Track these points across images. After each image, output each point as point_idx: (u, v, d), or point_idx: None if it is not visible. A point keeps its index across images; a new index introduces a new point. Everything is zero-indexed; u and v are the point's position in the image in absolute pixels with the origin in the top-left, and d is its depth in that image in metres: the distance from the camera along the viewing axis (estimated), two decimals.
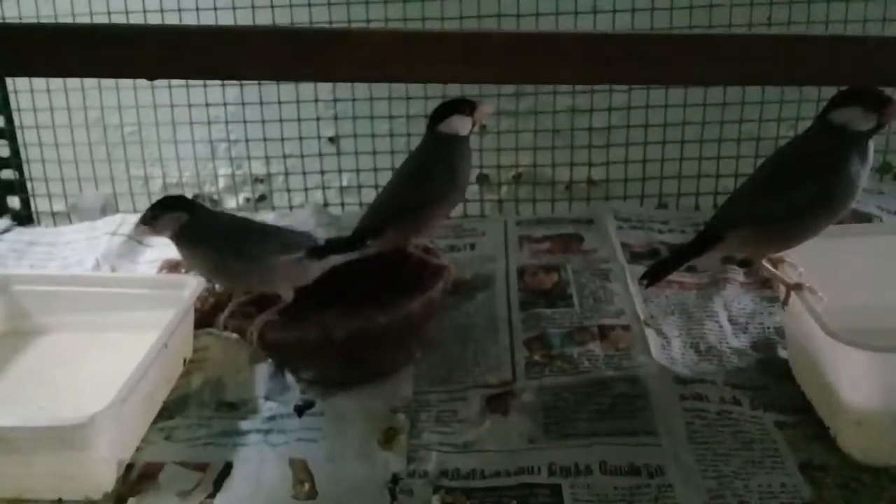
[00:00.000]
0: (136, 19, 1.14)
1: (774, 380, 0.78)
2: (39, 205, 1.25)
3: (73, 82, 1.19)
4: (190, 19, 1.14)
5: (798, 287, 0.72)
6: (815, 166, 0.71)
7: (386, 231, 0.84)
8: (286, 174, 1.24)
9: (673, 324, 0.87)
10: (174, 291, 0.84)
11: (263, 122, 1.20)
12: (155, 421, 0.76)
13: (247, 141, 1.22)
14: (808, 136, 0.73)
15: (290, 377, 0.81)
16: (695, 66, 0.40)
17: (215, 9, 1.14)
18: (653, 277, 0.76)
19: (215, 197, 1.29)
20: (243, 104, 1.19)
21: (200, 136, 1.23)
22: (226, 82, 1.17)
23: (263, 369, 0.83)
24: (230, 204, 1.29)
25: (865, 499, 0.64)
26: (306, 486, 0.68)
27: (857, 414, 0.66)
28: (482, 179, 1.24)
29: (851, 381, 0.66)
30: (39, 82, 1.19)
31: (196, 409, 0.78)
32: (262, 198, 1.29)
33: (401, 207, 0.85)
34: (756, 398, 0.75)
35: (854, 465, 0.67)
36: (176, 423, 0.76)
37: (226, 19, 1.14)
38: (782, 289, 0.74)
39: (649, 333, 0.85)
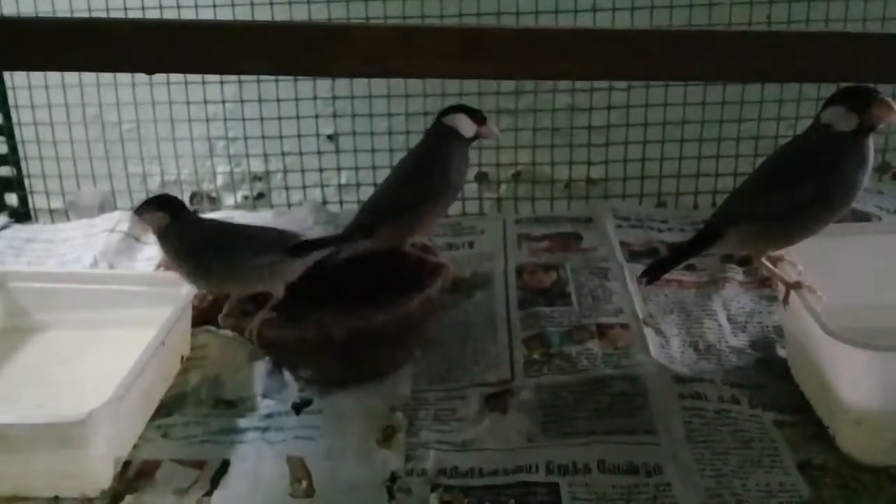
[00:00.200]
0: (134, 15, 1.13)
1: (773, 379, 0.78)
2: (37, 202, 1.25)
3: (72, 79, 1.18)
4: (188, 15, 1.13)
5: (797, 286, 0.72)
6: (813, 165, 0.71)
7: (379, 228, 0.84)
8: (285, 172, 1.24)
9: (672, 322, 0.87)
10: (172, 289, 0.84)
11: (262, 119, 1.20)
12: (152, 418, 0.76)
13: (245, 138, 1.22)
14: (807, 134, 0.73)
15: (288, 375, 0.81)
16: (694, 63, 0.40)
17: (214, 5, 1.13)
18: (652, 275, 0.76)
19: (213, 194, 1.29)
20: (242, 102, 1.19)
21: (199, 133, 1.22)
22: (224, 79, 1.17)
23: (261, 367, 0.83)
24: (228, 202, 1.29)
25: (864, 498, 0.64)
26: (304, 483, 0.68)
27: (856, 413, 0.66)
28: (481, 178, 1.23)
29: (850, 380, 0.66)
30: (38, 79, 1.18)
31: (194, 407, 0.78)
32: (260, 195, 1.29)
33: (394, 205, 0.85)
34: (755, 397, 0.75)
35: (853, 465, 0.67)
36: (173, 421, 0.76)
37: (224, 15, 1.13)
38: (782, 287, 0.74)
39: (648, 332, 0.85)
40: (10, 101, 1.20)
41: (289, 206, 1.24)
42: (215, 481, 0.68)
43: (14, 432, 0.64)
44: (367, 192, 1.20)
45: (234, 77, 1.15)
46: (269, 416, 0.76)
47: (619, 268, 0.98)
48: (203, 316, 0.88)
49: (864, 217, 1.04)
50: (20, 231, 1.16)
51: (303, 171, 1.22)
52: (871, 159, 0.70)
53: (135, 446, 0.72)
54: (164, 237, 0.78)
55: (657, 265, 0.77)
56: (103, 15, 1.13)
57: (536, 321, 0.88)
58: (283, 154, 1.22)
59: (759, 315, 0.88)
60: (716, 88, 1.14)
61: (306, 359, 0.81)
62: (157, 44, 0.39)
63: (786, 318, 0.78)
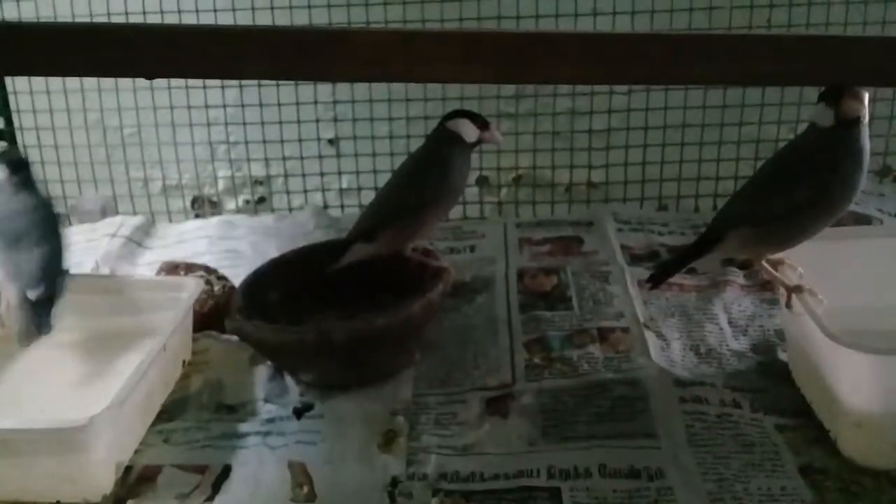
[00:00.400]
0: (136, 21, 1.14)
1: (774, 382, 0.78)
2: None
3: (73, 84, 1.19)
4: (190, 21, 1.14)
5: (798, 289, 0.72)
6: (810, 165, 0.71)
7: (381, 232, 0.84)
8: (286, 176, 1.24)
9: (673, 326, 0.87)
10: (173, 294, 0.84)
11: (263, 123, 1.20)
12: (154, 423, 0.76)
13: (246, 143, 1.22)
14: (805, 134, 0.74)
15: (289, 380, 0.81)
16: (694, 66, 0.40)
17: (215, 10, 1.14)
18: (656, 281, 0.77)
19: (215, 199, 1.29)
20: (243, 106, 1.19)
21: (200, 137, 1.23)
22: (225, 84, 1.17)
23: (262, 372, 0.83)
24: (230, 206, 1.29)
25: (866, 502, 0.64)
26: (305, 488, 0.68)
27: (857, 417, 0.66)
28: (482, 181, 1.24)
29: (852, 383, 0.66)
30: (39, 84, 1.19)
31: (195, 412, 0.78)
32: (261, 200, 1.29)
33: (396, 209, 0.85)
34: (756, 401, 0.75)
35: (854, 469, 0.67)
36: (175, 426, 0.76)
37: (225, 21, 1.14)
38: (783, 291, 0.74)
39: (649, 336, 0.85)
40: (13, 106, 1.20)
41: (290, 210, 1.25)
42: (217, 486, 0.68)
43: (15, 437, 0.64)
44: (368, 196, 1.20)
45: (235, 81, 1.15)
46: (270, 420, 0.76)
47: (619, 271, 0.98)
48: (204, 320, 0.88)
49: (864, 220, 1.04)
50: None
51: (304, 175, 1.23)
52: (865, 156, 0.70)
53: (136, 451, 0.72)
54: None
55: (660, 271, 0.78)
56: (105, 20, 1.14)
57: (537, 325, 0.88)
58: (285, 158, 1.22)
59: (760, 318, 0.88)
60: (716, 92, 1.14)
61: (307, 363, 0.81)
62: (158, 49, 0.39)
63: (787, 321, 0.78)
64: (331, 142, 1.24)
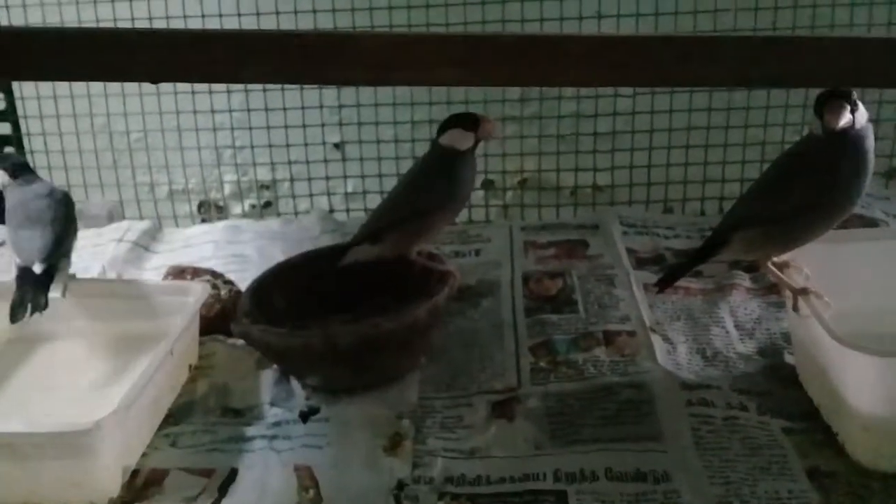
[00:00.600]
0: (141, 26, 1.14)
1: (781, 385, 0.77)
2: None
3: (80, 89, 1.19)
4: (195, 25, 1.14)
5: (804, 292, 0.72)
6: (810, 167, 0.71)
7: (386, 235, 0.84)
8: (291, 180, 1.24)
9: (679, 329, 0.87)
10: (180, 298, 0.84)
11: (269, 128, 1.20)
12: (160, 427, 0.76)
13: (252, 147, 1.23)
14: (806, 138, 0.74)
15: (295, 383, 0.81)
16: (699, 68, 0.40)
17: (220, 15, 1.14)
18: (664, 285, 0.78)
19: (221, 203, 1.29)
20: (248, 111, 1.20)
21: (206, 142, 1.23)
22: (231, 89, 1.17)
23: (268, 375, 0.83)
24: (236, 210, 1.30)
25: None
26: (311, 492, 0.68)
27: (864, 419, 0.66)
28: (487, 185, 1.24)
29: (859, 386, 0.66)
30: (46, 89, 1.19)
31: (201, 415, 0.78)
32: (267, 204, 1.29)
33: (401, 213, 0.85)
34: (763, 404, 0.75)
35: (862, 472, 0.66)
36: (181, 430, 0.76)
37: (230, 26, 1.14)
38: (789, 294, 0.74)
39: (655, 339, 0.85)
40: (20, 112, 1.21)
41: (296, 214, 1.25)
42: (223, 490, 0.68)
43: (22, 441, 0.65)
44: (373, 200, 1.20)
45: (240, 86, 1.16)
46: (276, 424, 0.76)
47: (625, 275, 0.98)
48: (211, 324, 0.88)
49: (871, 223, 1.04)
50: None
51: (309, 179, 1.23)
52: (867, 158, 0.70)
53: (143, 455, 0.72)
54: None
55: (668, 275, 0.78)
56: (110, 25, 1.14)
57: (543, 329, 0.88)
58: (290, 163, 1.22)
59: (766, 321, 0.88)
60: (722, 94, 1.14)
61: (313, 367, 0.81)
62: (162, 53, 0.40)
63: (793, 324, 0.78)
64: (336, 146, 1.24)
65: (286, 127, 1.20)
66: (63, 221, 0.83)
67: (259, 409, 0.78)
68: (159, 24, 1.14)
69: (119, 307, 0.87)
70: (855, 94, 0.68)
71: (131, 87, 1.17)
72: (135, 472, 0.70)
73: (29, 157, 1.23)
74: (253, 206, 1.30)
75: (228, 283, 0.94)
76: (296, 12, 1.13)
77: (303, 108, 1.19)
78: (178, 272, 0.95)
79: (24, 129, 1.22)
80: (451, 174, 0.84)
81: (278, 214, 1.27)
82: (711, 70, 0.39)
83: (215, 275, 0.95)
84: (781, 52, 0.39)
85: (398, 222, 0.85)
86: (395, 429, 0.74)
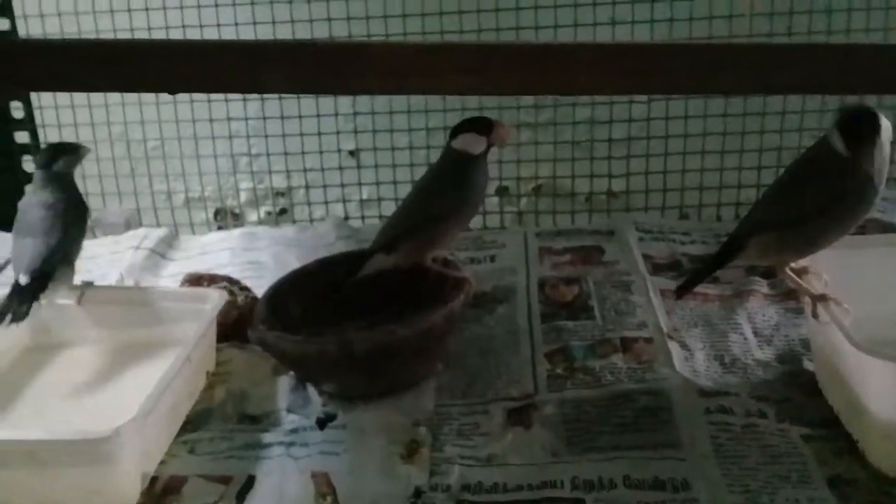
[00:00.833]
0: (158, 35, 1.15)
1: (801, 392, 0.77)
2: None
3: (97, 98, 1.20)
4: (211, 35, 1.15)
5: (823, 298, 0.71)
6: (825, 173, 0.71)
7: (400, 245, 0.84)
8: (307, 188, 1.25)
9: (696, 336, 0.87)
10: (197, 305, 0.85)
11: (284, 136, 1.21)
12: (178, 434, 0.76)
13: (268, 155, 1.23)
14: (820, 143, 0.74)
15: (311, 390, 0.82)
16: (715, 76, 0.40)
17: (236, 24, 1.15)
18: (683, 292, 0.78)
19: (237, 211, 1.30)
20: (264, 118, 1.20)
21: (222, 150, 1.24)
22: (247, 97, 1.18)
23: (285, 382, 0.83)
24: (252, 217, 1.30)
25: None
26: (328, 499, 0.68)
27: (885, 427, 0.65)
28: (502, 191, 1.24)
29: (879, 393, 0.65)
30: (64, 98, 1.20)
31: (219, 422, 0.78)
32: (283, 211, 1.30)
33: (414, 221, 0.85)
34: (782, 411, 0.74)
35: (883, 479, 0.66)
36: (199, 436, 0.76)
37: (246, 34, 1.15)
38: (808, 300, 0.73)
39: (672, 346, 0.84)
40: (38, 121, 1.22)
41: (311, 221, 1.25)
42: (241, 497, 0.69)
43: (42, 448, 0.65)
44: (388, 207, 1.21)
45: (256, 94, 1.16)
46: (293, 431, 0.76)
47: (642, 281, 0.97)
48: (228, 331, 0.88)
49: (891, 228, 1.03)
50: None
51: (325, 186, 1.23)
52: (884, 167, 0.69)
53: (161, 462, 0.73)
54: None
55: (687, 282, 0.78)
56: (127, 34, 1.15)
57: (559, 335, 0.88)
58: (306, 170, 1.23)
59: (785, 328, 0.87)
60: (737, 100, 1.13)
61: (329, 373, 0.81)
62: (180, 64, 0.40)
63: (813, 330, 0.78)
64: (351, 153, 1.24)
65: (302, 135, 1.20)
66: (60, 231, 0.82)
67: (276, 416, 0.79)
68: (176, 33, 1.15)
69: (137, 314, 0.87)
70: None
71: (148, 95, 1.18)
72: (153, 479, 0.70)
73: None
74: (268, 213, 1.30)
75: (245, 289, 0.95)
76: (311, 21, 1.13)
77: (318, 115, 1.19)
78: (195, 279, 0.96)
79: (42, 138, 1.23)
80: (463, 179, 0.84)
81: (294, 221, 1.28)
82: (724, 78, 0.39)
83: (232, 281, 0.95)
84: (797, 59, 0.39)
85: (412, 230, 0.85)
86: (411, 436, 0.74)
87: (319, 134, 1.20)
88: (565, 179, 1.21)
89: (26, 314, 0.77)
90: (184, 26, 1.14)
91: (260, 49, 0.40)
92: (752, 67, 0.39)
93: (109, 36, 1.15)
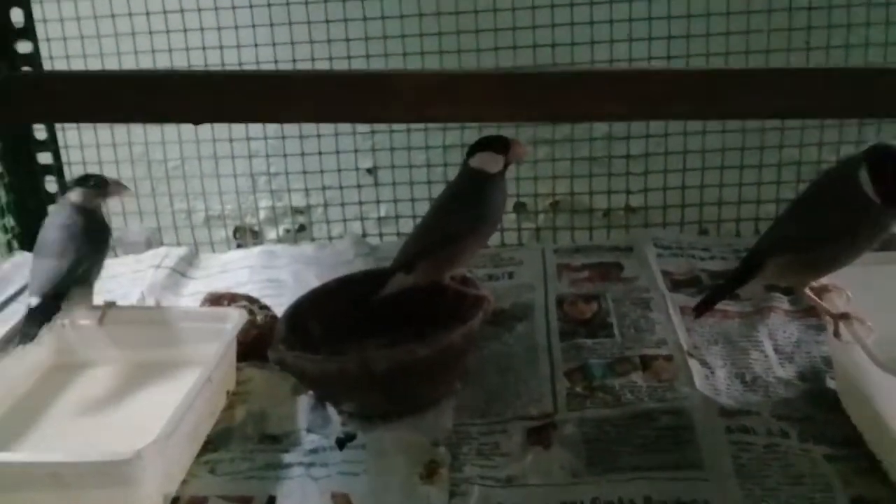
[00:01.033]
0: (178, 56, 1.16)
1: (823, 411, 0.76)
2: None
3: None
4: (230, 56, 1.16)
5: (846, 317, 0.71)
6: (840, 197, 0.71)
7: (419, 264, 0.85)
8: (325, 206, 1.26)
9: (717, 353, 0.86)
10: (218, 324, 0.85)
11: (303, 154, 1.22)
12: (199, 454, 0.76)
13: (287, 173, 1.24)
14: (841, 166, 0.74)
15: (331, 409, 0.82)
16: (736, 101, 0.40)
17: (258, 63, 1.16)
18: (702, 310, 0.78)
19: (256, 228, 1.31)
20: (283, 138, 1.21)
21: (242, 169, 1.25)
22: None
23: (304, 401, 0.83)
24: (271, 235, 1.31)
25: None
26: None
27: None
28: (519, 207, 1.24)
29: None
30: None
31: (239, 442, 0.78)
32: (301, 228, 1.31)
33: (433, 240, 0.85)
34: (804, 430, 0.73)
35: None
36: (220, 456, 0.76)
37: (266, 55, 1.16)
38: (829, 319, 0.73)
39: (693, 364, 0.84)
40: (60, 142, 1.24)
41: (330, 239, 1.26)
42: None
43: (65, 470, 0.66)
44: (406, 225, 1.21)
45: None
46: (313, 451, 0.76)
47: (661, 297, 0.97)
48: (248, 350, 0.89)
49: None
50: None
51: (343, 204, 1.24)
52: None
53: (182, 482, 0.73)
54: None
55: (706, 300, 0.78)
56: (148, 56, 1.17)
57: (578, 353, 0.88)
58: (324, 188, 1.23)
59: (806, 345, 0.86)
60: None
61: (349, 393, 0.81)
62: (203, 96, 0.40)
63: (835, 349, 0.77)
64: (369, 171, 1.25)
65: (320, 153, 1.21)
66: (74, 253, 0.82)
67: (296, 436, 0.79)
68: (196, 55, 1.16)
69: (158, 334, 0.88)
70: None
71: None
72: (175, 500, 0.71)
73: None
74: (287, 231, 1.31)
75: (264, 308, 0.95)
76: (331, 59, 1.14)
77: (336, 134, 1.20)
78: (216, 299, 0.96)
79: (64, 159, 1.24)
80: (481, 198, 0.84)
81: (312, 239, 1.28)
82: (749, 103, 0.39)
83: (251, 300, 0.96)
84: (817, 84, 0.39)
85: (431, 249, 0.85)
86: (431, 456, 0.74)
87: (338, 152, 1.21)
88: (583, 195, 1.21)
89: (34, 336, 0.78)
90: (204, 48, 1.16)
91: (285, 80, 0.40)
92: (775, 92, 0.39)
93: (130, 57, 1.17)
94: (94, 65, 1.18)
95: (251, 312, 0.91)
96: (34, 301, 0.79)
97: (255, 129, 1.21)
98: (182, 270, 1.15)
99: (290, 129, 1.20)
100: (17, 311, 0.82)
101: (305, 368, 0.80)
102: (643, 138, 1.16)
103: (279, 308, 0.92)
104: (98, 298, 0.89)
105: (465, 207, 0.85)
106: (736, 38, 1.11)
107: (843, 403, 0.76)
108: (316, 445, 0.77)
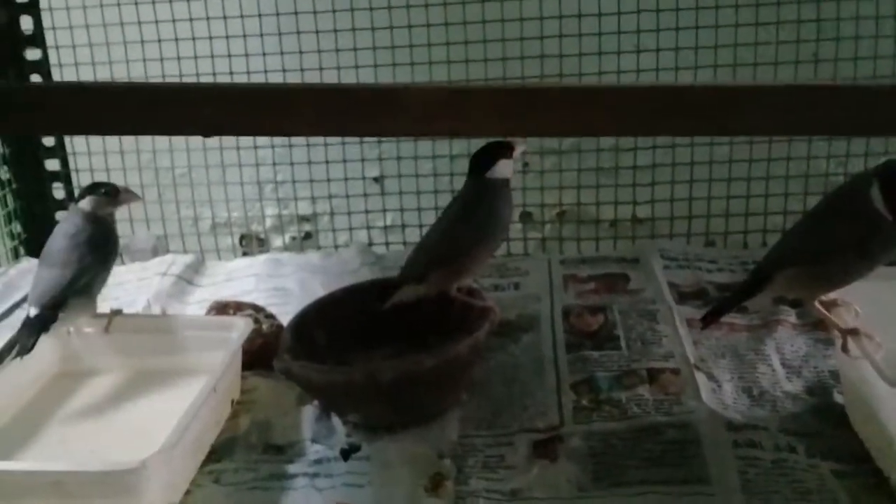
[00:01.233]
0: (187, 65, 1.17)
1: (831, 426, 0.75)
2: None
3: None
4: (239, 64, 1.16)
5: (854, 332, 0.70)
6: (859, 223, 0.71)
7: (431, 274, 0.85)
8: (331, 214, 1.26)
9: (724, 367, 0.86)
10: (223, 333, 0.85)
11: (310, 163, 1.22)
12: (203, 464, 0.76)
13: (293, 182, 1.24)
14: (854, 182, 0.73)
15: (336, 420, 0.81)
16: (744, 118, 0.40)
17: (265, 72, 1.16)
18: (708, 321, 0.78)
19: (262, 236, 1.31)
20: (290, 146, 1.22)
21: (249, 177, 1.25)
22: None
23: (309, 411, 0.83)
24: (277, 243, 1.31)
25: None
26: None
27: None
28: (525, 217, 1.24)
29: None
30: None
31: (244, 452, 0.78)
32: (307, 236, 1.31)
33: (445, 251, 0.85)
34: (812, 445, 0.73)
35: None
36: (224, 466, 0.76)
37: (274, 63, 1.16)
38: (837, 333, 0.72)
39: (699, 377, 0.83)
40: (68, 148, 1.24)
41: (336, 247, 1.26)
42: None
43: (68, 479, 0.65)
44: (412, 234, 1.21)
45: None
46: (318, 461, 0.76)
47: (668, 310, 0.97)
48: (253, 359, 0.89)
49: None
50: None
51: (349, 213, 1.24)
52: None
53: (186, 492, 0.73)
54: None
55: (713, 311, 0.78)
56: (157, 66, 1.17)
57: (584, 365, 0.87)
58: (330, 196, 1.24)
59: (814, 359, 0.86)
60: None
61: (355, 403, 0.81)
62: (212, 108, 0.40)
63: (843, 363, 0.76)
64: (375, 180, 1.25)
65: (327, 162, 1.21)
66: (77, 263, 0.82)
67: (300, 446, 0.78)
68: (204, 63, 1.17)
69: (164, 343, 0.88)
70: None
71: None
72: None
73: (77, 194, 1.26)
74: (293, 239, 1.31)
75: (270, 317, 0.95)
76: (339, 68, 1.14)
77: (343, 143, 1.20)
78: (222, 307, 0.96)
79: (72, 165, 1.25)
80: (492, 207, 0.85)
81: (318, 247, 1.28)
82: (756, 120, 0.39)
83: (257, 309, 0.96)
84: (825, 101, 0.39)
85: (442, 260, 0.85)
86: (436, 468, 0.74)
87: (344, 161, 1.21)
88: (590, 206, 1.21)
89: (32, 347, 0.78)
90: (212, 56, 1.16)
91: (292, 94, 0.40)
92: (785, 109, 0.39)
93: (139, 65, 1.18)
94: (103, 72, 1.19)
95: (257, 321, 0.91)
96: (33, 311, 0.79)
97: (263, 137, 1.21)
98: (188, 278, 1.15)
99: (297, 137, 1.20)
100: (22, 318, 0.81)
101: (311, 378, 0.79)
102: (650, 149, 1.16)
103: (285, 317, 0.92)
104: (104, 306, 0.89)
105: (476, 218, 0.85)
106: (744, 49, 1.10)
107: (850, 419, 0.75)
108: (320, 456, 0.77)
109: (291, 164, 1.22)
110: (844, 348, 0.71)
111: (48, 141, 1.23)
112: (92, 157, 1.23)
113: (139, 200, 0.91)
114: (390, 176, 1.23)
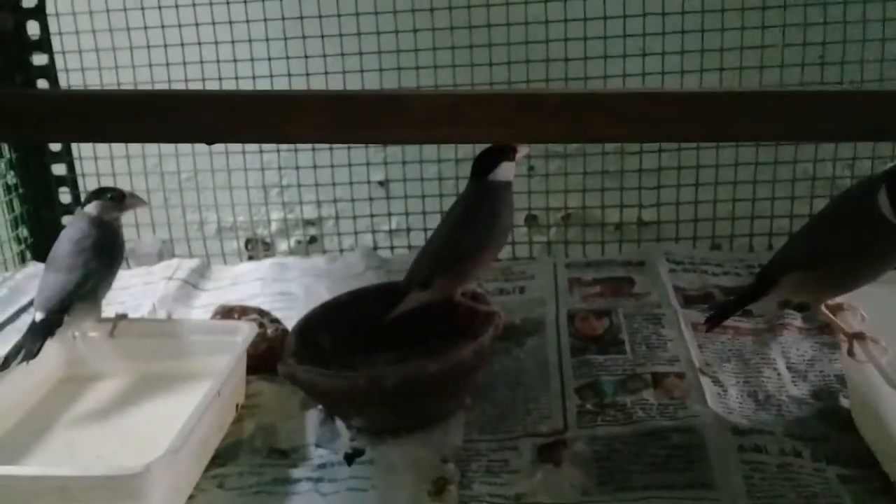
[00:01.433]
0: (193, 70, 1.17)
1: (837, 430, 0.75)
2: None
3: None
4: (244, 68, 1.17)
5: (860, 336, 0.70)
6: (865, 228, 0.70)
7: (435, 280, 0.84)
8: (337, 218, 1.26)
9: (729, 371, 0.85)
10: (228, 337, 0.85)
11: (315, 167, 1.22)
12: (207, 468, 0.76)
13: (299, 186, 1.24)
14: (860, 185, 0.73)
15: (340, 424, 0.81)
16: (750, 124, 0.39)
17: (271, 76, 1.16)
18: (712, 324, 0.78)
19: (267, 240, 1.31)
20: (296, 150, 1.22)
21: (254, 181, 1.25)
22: None
23: (313, 416, 0.83)
24: (282, 247, 1.31)
25: None
26: None
27: None
28: (530, 221, 1.23)
29: None
30: None
31: (248, 456, 0.78)
32: (312, 239, 1.31)
33: (449, 256, 0.85)
34: (818, 450, 0.72)
35: None
36: (228, 471, 0.76)
37: (279, 68, 1.17)
38: (843, 337, 0.72)
39: (705, 381, 0.83)
40: (74, 153, 1.25)
41: (341, 251, 1.26)
42: None
43: (73, 484, 0.65)
44: (417, 237, 1.21)
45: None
46: (321, 466, 0.76)
47: (673, 314, 0.96)
48: (257, 363, 0.89)
49: None
50: None
51: (354, 217, 1.24)
52: None
53: (191, 496, 0.73)
54: None
55: (717, 314, 0.77)
56: (163, 70, 1.17)
57: (589, 370, 0.87)
58: (335, 200, 1.24)
59: (820, 363, 0.86)
60: None
61: (358, 408, 0.81)
62: (217, 115, 0.40)
63: (849, 368, 0.76)
64: (381, 184, 1.25)
65: (332, 166, 1.21)
66: (82, 268, 0.82)
67: (304, 451, 0.78)
68: (210, 68, 1.17)
69: (169, 347, 0.88)
70: None
71: None
72: None
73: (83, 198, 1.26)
74: (299, 242, 1.31)
75: (275, 321, 0.95)
76: (343, 72, 1.14)
77: (348, 147, 1.20)
78: (227, 311, 0.96)
79: (78, 170, 1.25)
80: (494, 211, 0.85)
81: (323, 251, 1.28)
82: (762, 126, 0.39)
83: (262, 313, 0.96)
84: (833, 107, 0.39)
85: (447, 265, 0.85)
86: (439, 472, 0.74)
87: (349, 165, 1.21)
88: (595, 209, 1.21)
89: (37, 352, 0.78)
90: (218, 61, 1.16)
91: (297, 101, 0.40)
92: (791, 116, 0.38)
93: (145, 70, 1.18)
94: (109, 77, 1.19)
95: (262, 325, 0.92)
96: (38, 316, 0.80)
97: None
98: (194, 282, 1.15)
99: None
100: (28, 322, 0.81)
101: (315, 383, 0.79)
102: (656, 152, 1.16)
103: (290, 321, 0.92)
104: (109, 310, 0.89)
105: (479, 222, 0.85)
106: (750, 52, 1.10)
107: (857, 423, 0.75)
108: (324, 460, 0.77)
109: (297, 168, 1.23)
110: (850, 352, 0.71)
111: (55, 146, 1.24)
112: (98, 161, 1.24)
113: (145, 205, 0.91)
114: (395, 180, 1.23)
